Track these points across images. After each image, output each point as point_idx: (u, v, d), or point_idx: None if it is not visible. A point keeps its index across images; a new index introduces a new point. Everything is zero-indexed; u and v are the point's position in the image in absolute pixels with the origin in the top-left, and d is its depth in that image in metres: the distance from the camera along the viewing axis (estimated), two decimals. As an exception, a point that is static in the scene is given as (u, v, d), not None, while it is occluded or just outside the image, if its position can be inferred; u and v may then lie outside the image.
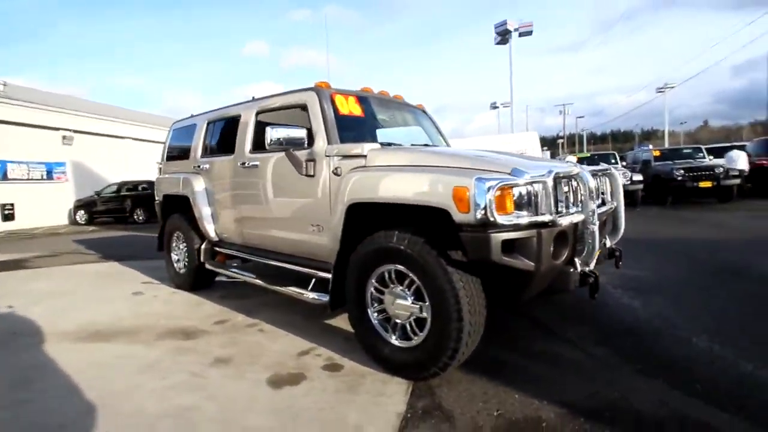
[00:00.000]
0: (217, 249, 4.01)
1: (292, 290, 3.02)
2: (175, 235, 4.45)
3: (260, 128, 3.39)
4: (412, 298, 2.26)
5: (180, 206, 4.29)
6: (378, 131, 3.42)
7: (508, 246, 1.99)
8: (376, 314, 2.45)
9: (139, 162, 17.07)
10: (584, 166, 2.62)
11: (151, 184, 13.70)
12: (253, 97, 3.61)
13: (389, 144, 2.84)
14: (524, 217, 2.01)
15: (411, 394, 2.16)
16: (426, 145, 3.49)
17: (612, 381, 2.21)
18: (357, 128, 3.11)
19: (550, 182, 2.10)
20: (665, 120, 40.81)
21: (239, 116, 3.62)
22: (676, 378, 2.20)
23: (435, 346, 2.14)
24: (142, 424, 1.99)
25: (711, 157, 12.16)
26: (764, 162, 11.45)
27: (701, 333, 2.72)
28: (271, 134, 2.72)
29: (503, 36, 25.76)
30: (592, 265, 2.34)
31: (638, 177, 11.20)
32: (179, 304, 3.93)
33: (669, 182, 11.07)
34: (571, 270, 2.23)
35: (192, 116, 4.45)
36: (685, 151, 13.26)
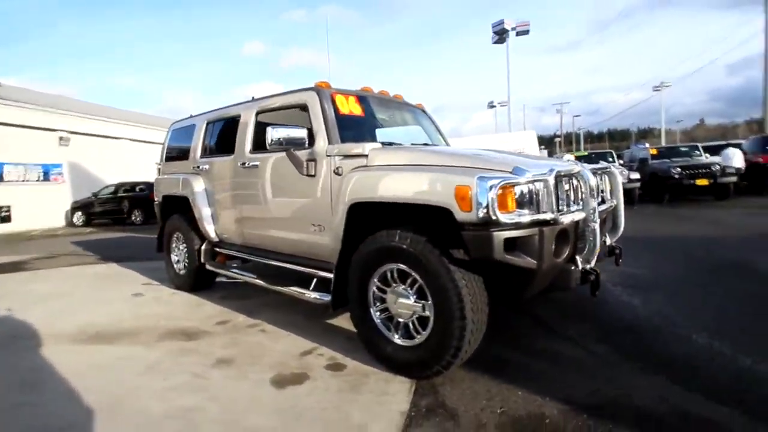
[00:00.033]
0: (218, 249, 4.01)
1: (294, 290, 3.02)
2: (175, 236, 4.44)
3: (260, 128, 3.38)
4: (415, 296, 2.27)
5: (179, 207, 4.29)
6: (378, 131, 3.42)
7: (510, 244, 1.99)
8: (378, 313, 2.46)
9: (136, 163, 17.01)
10: (585, 165, 2.63)
11: (148, 185, 13.69)
12: (253, 97, 3.61)
13: (390, 143, 2.85)
14: (526, 216, 2.02)
15: (414, 393, 2.17)
16: (426, 144, 3.49)
17: (613, 378, 2.23)
18: (357, 128, 3.12)
19: (551, 180, 2.11)
20: (662, 118, 41.08)
21: (239, 116, 3.62)
22: (676, 374, 2.22)
23: (438, 345, 2.15)
24: (144, 426, 1.99)
25: (707, 155, 12.22)
26: (760, 159, 11.51)
27: (700, 330, 2.74)
28: (272, 134, 2.72)
29: (500, 35, 25.84)
30: (593, 263, 2.36)
31: (635, 175, 11.25)
32: (180, 305, 3.92)
33: (666, 180, 11.12)
34: (573, 268, 2.24)
35: (191, 117, 4.45)
36: (681, 149, 13.32)
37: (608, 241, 2.94)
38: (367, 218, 2.52)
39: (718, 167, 10.80)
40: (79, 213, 14.36)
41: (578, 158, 12.30)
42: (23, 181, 13.85)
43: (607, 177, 3.01)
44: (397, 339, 2.37)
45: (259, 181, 3.30)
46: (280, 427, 1.94)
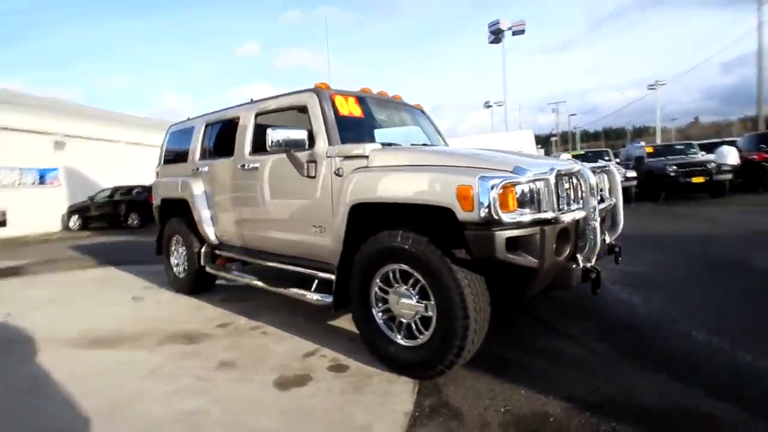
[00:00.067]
0: (217, 252, 4.00)
1: (295, 292, 3.02)
2: (174, 238, 4.43)
3: (260, 130, 3.38)
4: (417, 297, 2.27)
5: (179, 210, 4.28)
6: (377, 131, 3.43)
7: (512, 243, 2.00)
8: (380, 314, 2.46)
9: (133, 166, 16.93)
10: (584, 164, 2.64)
11: (145, 188, 13.63)
12: (252, 99, 3.61)
13: (390, 144, 2.86)
14: (527, 215, 2.04)
15: (418, 393, 2.18)
16: (425, 144, 3.50)
17: (614, 376, 2.24)
18: (357, 129, 3.13)
19: (552, 180, 2.12)
20: (657, 117, 41.30)
21: (238, 118, 3.62)
22: (677, 372, 2.23)
23: (441, 345, 2.16)
24: (146, 430, 1.99)
25: (703, 153, 12.29)
26: (755, 157, 11.58)
27: (700, 327, 2.76)
28: (272, 136, 2.72)
29: (496, 35, 25.95)
30: (593, 261, 2.37)
31: (632, 173, 11.30)
32: (180, 308, 3.91)
33: (662, 178, 11.17)
34: (574, 266, 2.25)
35: (189, 119, 4.44)
36: (677, 147, 13.37)
37: (608, 240, 2.96)
38: (368, 219, 2.53)
39: (713, 165, 10.86)
40: (76, 217, 14.27)
41: (575, 157, 12.36)
42: (19, 185, 13.77)
43: (605, 175, 3.03)
44: (399, 339, 2.38)
45: (259, 182, 3.29)
46: (284, 429, 1.94)
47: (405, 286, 2.32)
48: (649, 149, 13.24)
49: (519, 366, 2.43)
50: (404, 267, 2.28)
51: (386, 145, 2.75)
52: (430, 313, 2.22)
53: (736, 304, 3.19)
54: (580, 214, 2.28)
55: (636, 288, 3.68)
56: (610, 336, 2.75)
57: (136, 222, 13.52)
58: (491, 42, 26.92)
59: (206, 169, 3.95)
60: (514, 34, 26.07)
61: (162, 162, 4.72)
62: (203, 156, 4.09)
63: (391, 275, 2.37)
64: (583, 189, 2.36)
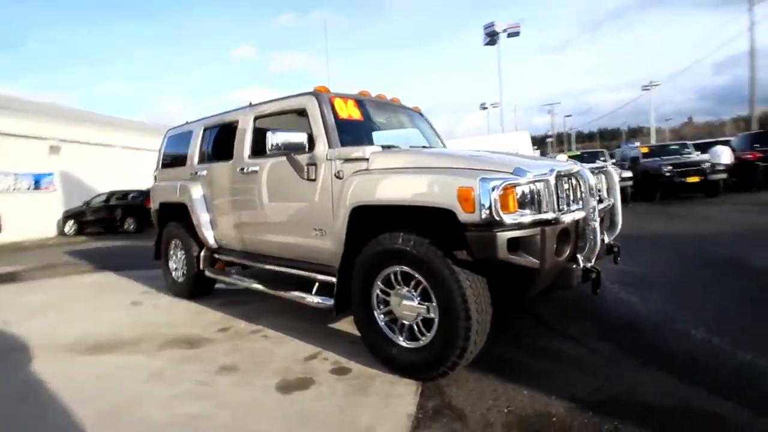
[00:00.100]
0: (217, 256, 3.99)
1: (296, 295, 3.02)
2: (173, 243, 4.42)
3: (259, 134, 3.39)
4: (419, 298, 2.28)
5: (177, 214, 4.26)
6: (376, 134, 3.44)
7: (513, 244, 2.02)
8: (382, 316, 2.46)
9: (129, 170, 16.86)
10: (583, 164, 2.66)
11: (141, 192, 13.57)
12: (251, 103, 3.61)
13: (390, 146, 2.87)
14: (528, 216, 2.05)
15: (420, 395, 2.18)
16: (424, 146, 3.52)
17: (616, 375, 2.25)
18: (356, 131, 3.13)
19: (552, 181, 2.14)
20: (651, 117, 41.58)
21: (237, 122, 3.62)
22: (678, 370, 2.24)
23: (443, 346, 2.16)
24: (150, 434, 1.98)
25: (698, 153, 12.39)
26: (749, 156, 11.68)
27: (700, 326, 2.77)
28: (272, 139, 2.72)
29: (492, 37, 26.06)
30: (593, 261, 2.39)
31: (627, 174, 11.38)
32: (179, 313, 3.90)
33: (657, 178, 11.25)
34: (574, 266, 2.27)
35: (187, 123, 4.43)
36: (672, 147, 13.47)
37: (606, 240, 2.97)
38: (369, 221, 2.53)
39: (708, 164, 10.95)
40: (71, 222, 14.19)
41: (571, 158, 12.42)
42: (14, 190, 13.67)
43: (603, 176, 3.05)
44: (401, 341, 2.38)
45: (259, 186, 3.29)
46: (288, 433, 1.93)
47: (407, 288, 2.33)
48: (644, 150, 13.33)
49: (520, 366, 2.43)
50: (406, 269, 2.29)
51: (386, 147, 2.76)
52: (432, 315, 2.22)
53: (735, 304, 3.21)
54: (579, 215, 2.29)
55: (635, 288, 3.70)
56: (611, 335, 2.76)
57: (132, 227, 13.44)
58: (486, 44, 27.06)
59: (205, 172, 3.94)
60: (509, 36, 26.22)
61: (160, 166, 4.71)
62: (202, 160, 4.09)
63: (392, 277, 2.38)
64: (583, 189, 2.38)
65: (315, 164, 2.83)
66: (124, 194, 14.12)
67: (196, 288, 4.19)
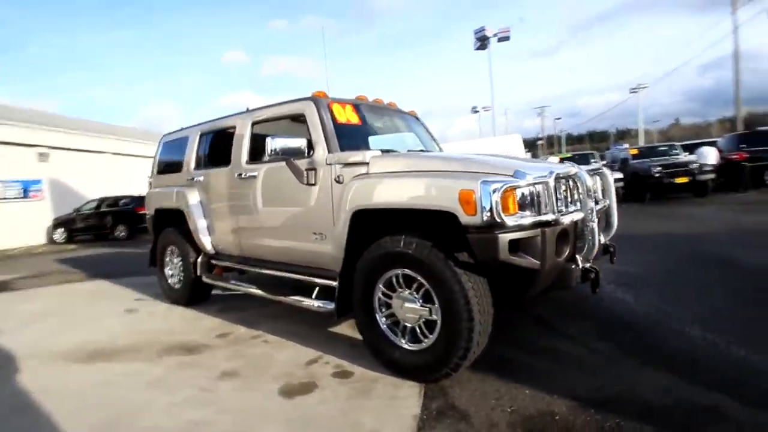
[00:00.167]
0: (214, 262, 3.97)
1: (296, 299, 3.02)
2: (169, 249, 4.38)
3: (256, 139, 3.39)
4: (421, 300, 2.30)
5: (173, 220, 4.24)
6: (374, 138, 3.45)
7: (514, 245, 2.04)
8: (384, 319, 2.47)
9: (119, 177, 16.71)
10: (580, 167, 2.71)
11: (133, 198, 13.44)
12: (248, 108, 3.61)
13: (389, 150, 2.89)
14: (528, 217, 2.08)
15: (424, 396, 2.19)
16: (422, 150, 3.55)
17: (616, 374, 2.28)
18: (355, 136, 3.15)
19: (551, 182, 2.17)
20: (639, 119, 42.19)
21: (234, 127, 3.62)
22: (678, 369, 2.27)
23: (446, 347, 2.18)
24: (154, 442, 1.97)
25: (686, 154, 12.61)
26: (736, 157, 11.92)
27: (697, 325, 2.82)
28: (271, 144, 2.73)
29: (482, 42, 26.30)
30: (591, 261, 2.42)
31: (618, 175, 11.54)
32: (177, 320, 3.87)
33: (647, 179, 11.42)
34: (573, 267, 2.30)
35: (183, 129, 4.42)
36: (660, 148, 13.69)
37: (602, 240, 3.02)
38: (369, 225, 2.55)
39: (696, 165, 11.15)
40: (61, 230, 13.99)
41: (562, 160, 12.56)
42: (1, 198, 13.46)
43: (599, 177, 3.10)
44: (404, 343, 2.39)
45: (258, 191, 3.29)
46: (294, 437, 1.93)
47: (408, 291, 2.34)
48: (634, 151, 13.54)
49: (522, 366, 2.46)
50: (407, 271, 2.30)
51: (385, 151, 2.78)
52: (434, 317, 2.24)
53: (729, 302, 3.27)
54: (578, 216, 2.33)
55: (632, 288, 3.76)
56: (610, 335, 2.80)
57: (123, 234, 13.29)
58: (477, 48, 27.31)
59: (202, 178, 3.93)
60: (499, 40, 26.48)
61: (155, 172, 4.68)
62: (198, 165, 4.07)
63: (394, 280, 2.39)
64: (581, 191, 2.42)
65: (314, 169, 2.84)
66: (115, 201, 13.97)
67: (194, 294, 4.16)
